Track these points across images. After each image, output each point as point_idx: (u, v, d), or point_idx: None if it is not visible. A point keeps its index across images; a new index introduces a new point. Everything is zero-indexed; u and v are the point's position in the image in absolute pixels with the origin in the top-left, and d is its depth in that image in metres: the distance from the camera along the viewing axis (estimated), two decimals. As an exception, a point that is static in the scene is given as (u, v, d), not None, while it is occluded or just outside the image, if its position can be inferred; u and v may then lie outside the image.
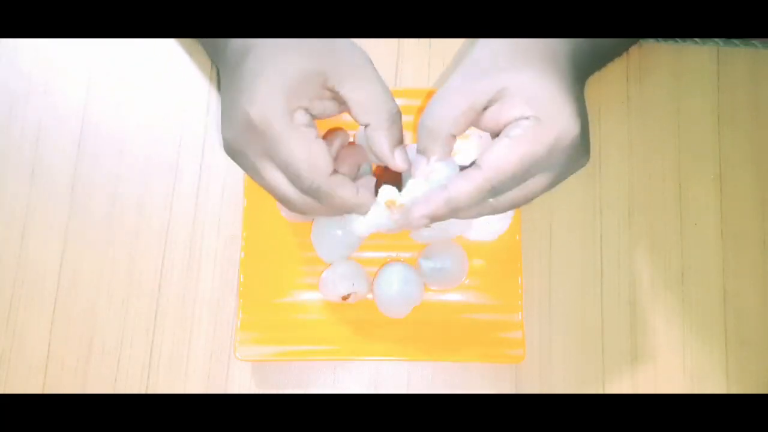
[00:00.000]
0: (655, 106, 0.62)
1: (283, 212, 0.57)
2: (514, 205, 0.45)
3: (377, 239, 0.53)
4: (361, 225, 0.46)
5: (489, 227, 0.57)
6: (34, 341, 0.58)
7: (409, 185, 0.45)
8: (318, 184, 0.43)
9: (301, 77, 0.43)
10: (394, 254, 0.58)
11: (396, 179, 0.52)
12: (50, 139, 0.61)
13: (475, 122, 0.45)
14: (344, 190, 0.44)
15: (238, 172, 0.59)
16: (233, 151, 0.46)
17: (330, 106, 0.46)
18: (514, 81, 0.43)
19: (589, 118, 0.46)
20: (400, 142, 0.46)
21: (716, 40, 0.62)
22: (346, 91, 0.44)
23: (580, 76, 0.48)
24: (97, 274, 0.59)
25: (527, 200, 0.45)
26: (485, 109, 0.44)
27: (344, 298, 0.56)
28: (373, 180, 0.47)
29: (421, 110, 0.51)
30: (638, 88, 0.62)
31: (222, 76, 0.50)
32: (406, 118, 0.48)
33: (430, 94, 0.58)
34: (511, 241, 0.57)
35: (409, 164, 0.46)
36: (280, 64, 0.43)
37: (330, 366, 0.58)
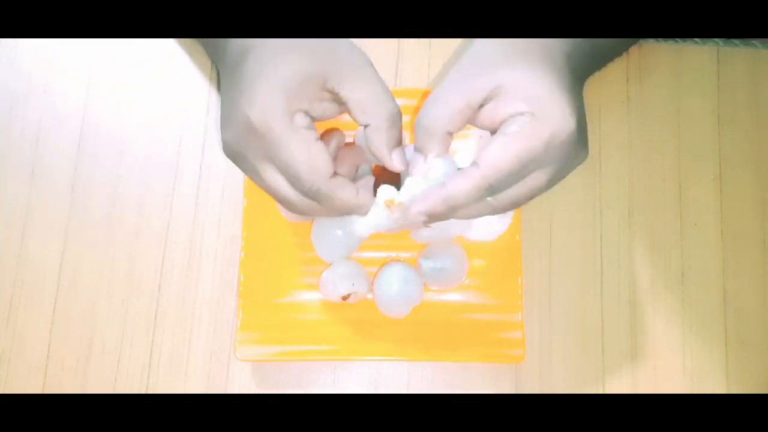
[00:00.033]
0: (655, 106, 0.62)
1: (283, 212, 0.57)
2: (514, 204, 0.45)
3: (377, 239, 0.53)
4: (362, 226, 0.46)
5: (489, 227, 0.57)
6: (34, 341, 0.58)
7: (407, 183, 0.45)
8: (318, 187, 0.43)
9: (301, 78, 0.43)
10: (394, 254, 0.58)
11: (395, 179, 0.52)
12: (50, 139, 0.61)
13: (472, 120, 0.45)
14: (344, 192, 0.44)
15: (238, 172, 0.59)
16: (233, 153, 0.46)
17: (329, 107, 0.46)
18: (510, 78, 0.43)
19: (589, 118, 0.46)
20: (399, 143, 0.46)
21: (716, 40, 0.62)
22: (346, 92, 0.44)
23: (579, 75, 0.48)
24: (97, 274, 0.59)
25: (527, 199, 0.45)
26: (481, 106, 0.44)
27: (344, 298, 0.56)
28: (372, 180, 0.47)
29: (419, 110, 0.51)
30: (638, 88, 0.62)
31: (222, 77, 0.49)
32: (406, 118, 0.48)
33: (429, 94, 0.57)
34: (511, 241, 0.57)
35: (407, 165, 0.45)
36: (280, 64, 0.43)
37: (330, 366, 0.58)
